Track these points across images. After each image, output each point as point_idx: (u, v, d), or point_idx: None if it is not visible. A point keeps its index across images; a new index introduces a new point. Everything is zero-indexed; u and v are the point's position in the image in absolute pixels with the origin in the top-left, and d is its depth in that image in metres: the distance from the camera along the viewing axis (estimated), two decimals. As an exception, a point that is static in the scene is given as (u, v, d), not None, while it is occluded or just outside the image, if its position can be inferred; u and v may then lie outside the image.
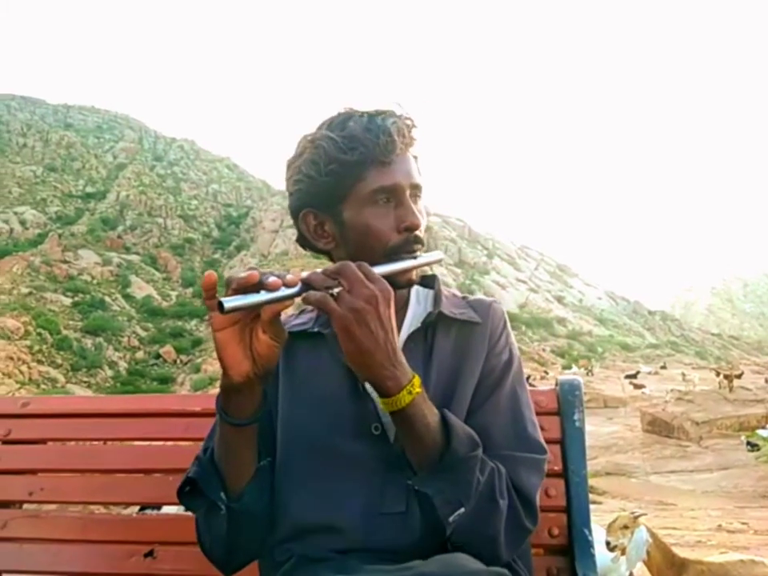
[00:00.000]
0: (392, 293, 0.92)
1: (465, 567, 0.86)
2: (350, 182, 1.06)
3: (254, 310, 0.91)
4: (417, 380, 0.95)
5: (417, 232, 1.08)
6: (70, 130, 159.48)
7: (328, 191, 1.08)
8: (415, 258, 1.08)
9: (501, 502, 0.98)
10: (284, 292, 0.89)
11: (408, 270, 1.08)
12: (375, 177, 1.06)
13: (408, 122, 1.10)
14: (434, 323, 1.13)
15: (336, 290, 0.90)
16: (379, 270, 0.97)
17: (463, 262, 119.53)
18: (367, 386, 1.07)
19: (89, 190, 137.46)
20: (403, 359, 0.94)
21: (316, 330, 1.15)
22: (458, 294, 1.23)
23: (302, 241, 1.15)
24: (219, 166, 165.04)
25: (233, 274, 0.91)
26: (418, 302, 1.19)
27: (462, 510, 0.94)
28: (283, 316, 1.04)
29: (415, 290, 1.20)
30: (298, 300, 0.94)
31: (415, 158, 1.12)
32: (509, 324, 1.18)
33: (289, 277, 0.90)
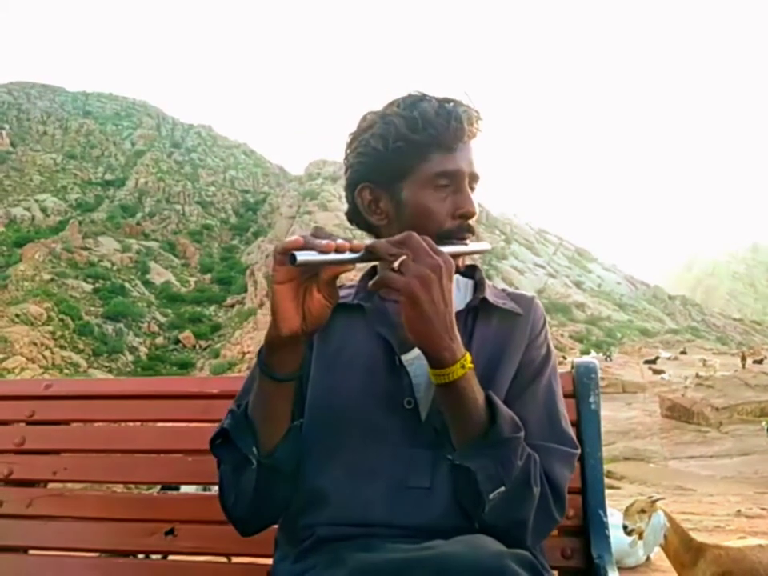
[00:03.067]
0: (454, 266, 0.93)
1: (488, 548, 0.85)
2: (414, 161, 1.08)
3: (317, 268, 0.92)
4: (469, 356, 0.95)
5: (470, 221, 1.10)
6: (89, 118, 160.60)
7: (391, 167, 1.09)
8: (466, 245, 1.09)
9: (535, 488, 0.99)
10: (349, 255, 0.91)
11: (457, 256, 1.08)
12: (440, 160, 1.08)
13: (475, 112, 1.11)
14: (475, 309, 1.14)
15: (401, 258, 0.91)
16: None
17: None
18: (404, 360, 1.09)
19: (108, 177, 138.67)
20: (458, 333, 0.94)
21: (356, 302, 1.16)
22: (497, 286, 1.24)
23: (353, 215, 1.16)
24: (236, 152, 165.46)
25: (306, 235, 0.92)
26: (458, 289, 1.19)
27: (503, 488, 0.95)
28: None
29: (455, 277, 1.19)
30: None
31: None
32: (548, 321, 1.20)
33: (355, 241, 0.91)
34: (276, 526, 1.15)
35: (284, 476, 1.05)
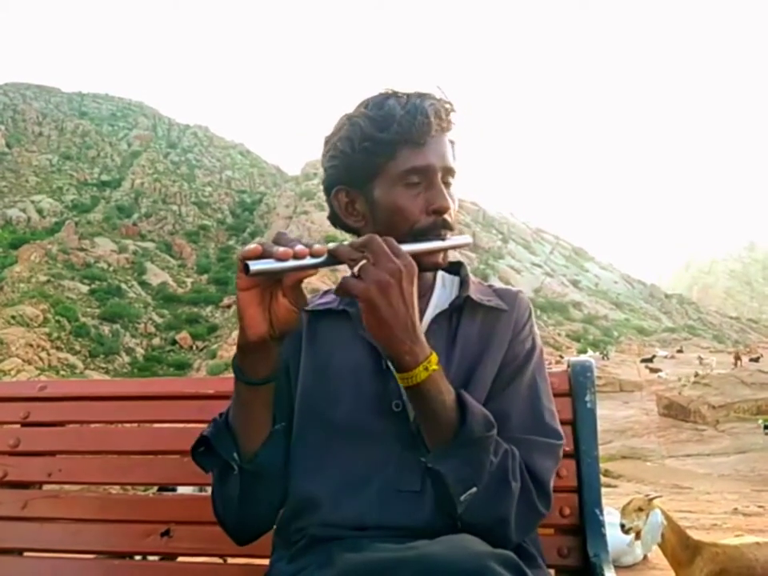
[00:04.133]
0: (416, 269, 0.92)
1: (470, 549, 0.84)
2: (382, 160, 1.07)
3: (277, 275, 0.92)
4: (434, 357, 0.95)
5: (446, 215, 1.08)
6: (84, 119, 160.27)
7: (360, 168, 1.08)
8: (442, 240, 1.08)
9: (513, 484, 0.99)
10: (309, 261, 0.90)
11: (435, 253, 1.08)
12: (408, 156, 1.06)
13: (447, 105, 1.09)
14: (459, 307, 1.13)
15: (361, 263, 0.90)
16: (404, 248, 0.97)
17: (477, 247, 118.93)
18: (390, 363, 1.08)
19: (104, 177, 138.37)
20: (422, 336, 0.94)
21: (341, 308, 1.16)
22: (484, 282, 1.22)
23: (334, 218, 1.16)
24: (233, 153, 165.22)
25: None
26: (444, 287, 1.19)
27: (474, 489, 0.95)
28: (309, 295, 1.05)
29: (441, 275, 1.20)
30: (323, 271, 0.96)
31: (452, 142, 1.12)
32: (533, 315, 1.18)
33: (316, 246, 0.90)
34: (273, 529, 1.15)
35: (267, 480, 1.06)
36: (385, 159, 1.06)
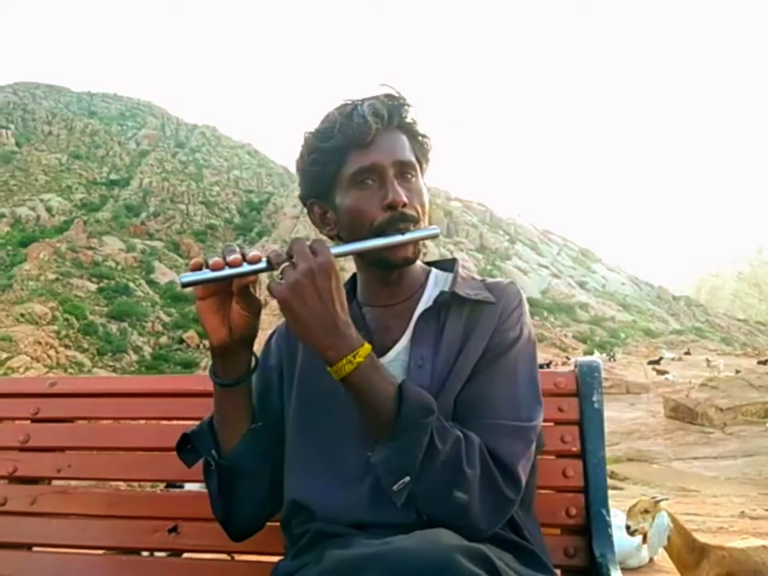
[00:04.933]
0: (333, 265, 0.95)
1: (440, 542, 0.83)
2: (333, 168, 1.10)
3: (219, 283, 0.98)
4: (363, 350, 0.96)
5: (404, 209, 1.08)
6: (93, 118, 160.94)
7: (319, 180, 1.13)
8: (402, 234, 1.08)
9: (469, 471, 0.97)
10: (246, 268, 0.96)
11: (403, 247, 1.09)
12: (355, 159, 1.09)
13: (394, 102, 1.11)
14: (447, 304, 1.13)
15: (282, 266, 0.95)
16: (343, 248, 1.04)
17: (485, 248, 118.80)
18: None
19: (113, 177, 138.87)
20: (349, 330, 0.96)
21: None
22: (478, 277, 1.22)
23: (318, 229, 1.21)
24: (240, 152, 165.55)
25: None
26: (436, 285, 1.20)
27: (407, 479, 0.95)
28: None
29: (435, 273, 1.22)
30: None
31: (421, 136, 1.14)
32: (525, 304, 1.17)
33: (252, 254, 0.96)
34: (279, 526, 1.17)
35: (245, 476, 1.10)
36: (335, 167, 1.10)
